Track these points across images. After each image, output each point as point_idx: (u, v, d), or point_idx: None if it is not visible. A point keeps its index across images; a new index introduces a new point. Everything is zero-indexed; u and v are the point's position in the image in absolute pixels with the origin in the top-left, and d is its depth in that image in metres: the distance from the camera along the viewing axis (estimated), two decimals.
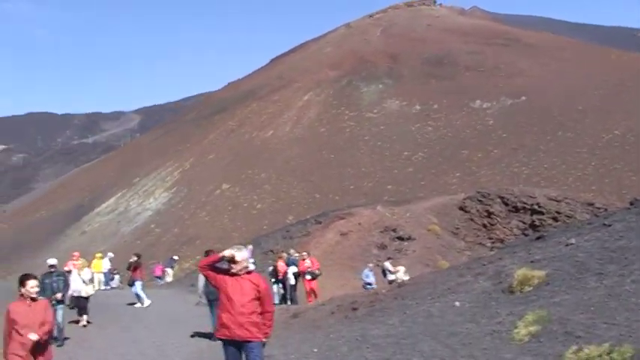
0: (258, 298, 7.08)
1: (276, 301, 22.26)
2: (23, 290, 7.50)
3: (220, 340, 7.19)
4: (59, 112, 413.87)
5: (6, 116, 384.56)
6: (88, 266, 19.93)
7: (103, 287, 29.24)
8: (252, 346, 7.03)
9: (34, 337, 7.22)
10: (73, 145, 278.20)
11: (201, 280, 15.59)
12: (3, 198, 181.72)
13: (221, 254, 7.17)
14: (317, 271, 22.40)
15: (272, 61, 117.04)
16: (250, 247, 26.26)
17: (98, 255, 32.01)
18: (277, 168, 65.82)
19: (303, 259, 22.64)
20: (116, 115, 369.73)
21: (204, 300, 15.49)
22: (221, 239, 51.59)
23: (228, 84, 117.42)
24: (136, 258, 20.88)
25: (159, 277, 36.91)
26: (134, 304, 20.56)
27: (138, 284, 20.55)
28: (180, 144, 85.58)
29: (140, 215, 69.13)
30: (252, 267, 8.38)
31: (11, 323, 7.34)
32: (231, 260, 7.13)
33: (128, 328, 16.23)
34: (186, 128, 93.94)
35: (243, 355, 7.09)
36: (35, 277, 7.70)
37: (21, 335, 7.25)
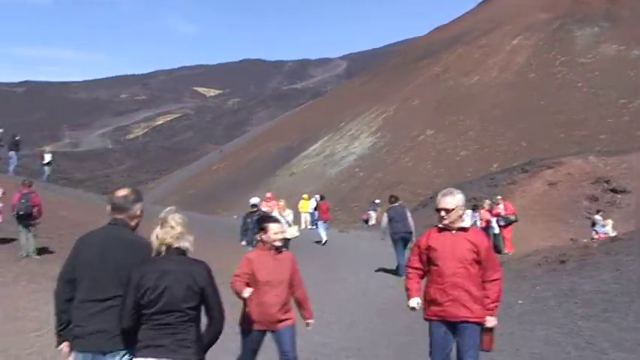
0: (478, 262, 5.58)
1: None
2: (264, 237, 6.19)
3: (428, 320, 5.73)
4: (271, 58, 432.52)
5: (221, 63, 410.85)
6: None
7: (309, 226, 30.70)
8: (468, 329, 5.53)
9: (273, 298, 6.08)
10: (284, 90, 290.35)
11: (385, 218, 16.46)
12: (219, 140, 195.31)
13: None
14: (512, 217, 21.49)
15: (480, 4, 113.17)
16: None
17: (305, 196, 33.54)
18: (483, 114, 64.21)
19: (497, 204, 21.97)
20: (324, 62, 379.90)
21: (387, 237, 16.51)
22: (423, 185, 51.77)
23: (435, 29, 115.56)
24: (319, 199, 22.95)
25: (365, 221, 38.02)
26: (320, 241, 22.38)
27: (320, 224, 22.71)
28: (385, 89, 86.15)
29: (345, 159, 71.02)
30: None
31: (247, 277, 6.05)
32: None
33: (321, 264, 17.10)
34: (391, 74, 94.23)
35: (455, 340, 5.61)
36: (277, 221, 6.42)
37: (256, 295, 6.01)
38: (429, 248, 5.71)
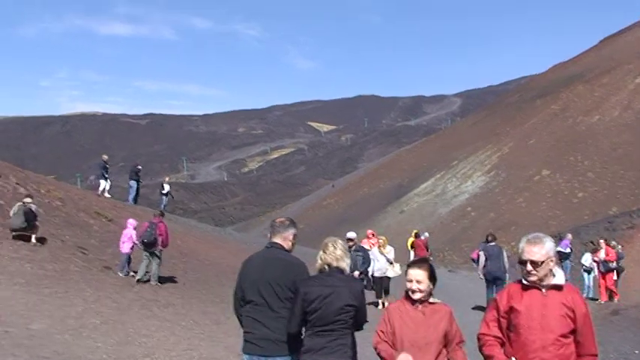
0: (573, 331, 4.48)
1: (590, 295, 21.26)
2: (409, 285, 5.12)
3: None
4: (385, 94, 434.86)
5: (336, 99, 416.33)
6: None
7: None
8: None
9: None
10: (397, 126, 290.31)
11: (482, 257, 16.56)
12: (331, 175, 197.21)
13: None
14: (611, 264, 20.47)
15: (601, 41, 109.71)
16: (569, 235, 25.38)
17: (414, 232, 33.37)
18: (602, 155, 61.87)
19: (600, 249, 21.04)
20: (438, 99, 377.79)
21: (482, 276, 16.77)
22: (538, 227, 50.29)
23: (553, 66, 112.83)
24: (427, 235, 22.99)
25: (474, 260, 37.34)
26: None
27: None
28: (500, 128, 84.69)
29: (457, 198, 70.11)
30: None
31: (389, 336, 5.08)
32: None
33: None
34: (507, 112, 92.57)
35: None
36: (417, 265, 5.17)
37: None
38: (511, 311, 4.55)
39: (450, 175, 77.90)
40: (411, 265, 5.16)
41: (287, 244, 5.73)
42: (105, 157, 31.26)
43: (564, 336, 4.40)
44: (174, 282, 17.87)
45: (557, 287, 4.53)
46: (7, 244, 16.25)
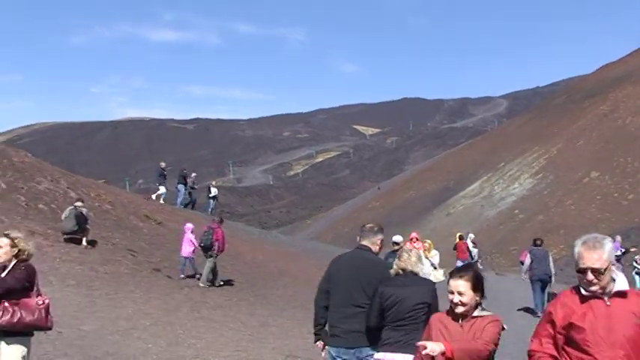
0: None
1: None
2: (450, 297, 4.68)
3: None
4: (431, 97, 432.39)
5: (382, 101, 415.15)
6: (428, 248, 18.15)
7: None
8: None
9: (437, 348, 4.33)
10: (443, 129, 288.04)
11: (528, 259, 16.91)
12: (376, 178, 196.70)
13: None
14: None
15: None
16: (618, 238, 24.85)
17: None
18: None
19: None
20: (484, 100, 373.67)
21: (526, 278, 17.10)
22: (587, 229, 49.21)
23: (601, 67, 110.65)
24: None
25: (522, 263, 36.82)
26: None
27: (458, 263, 22.87)
28: (548, 129, 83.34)
29: (504, 200, 69.22)
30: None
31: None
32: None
33: None
34: (555, 113, 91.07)
35: None
36: (457, 275, 4.60)
37: None
38: (570, 327, 3.86)
39: (497, 177, 76.99)
40: (452, 274, 4.63)
41: (375, 248, 6.32)
42: (162, 164, 31.80)
43: (638, 350, 3.69)
44: (223, 284, 18.05)
45: (622, 294, 3.83)
46: (59, 247, 16.60)
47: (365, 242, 6.32)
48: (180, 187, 31.74)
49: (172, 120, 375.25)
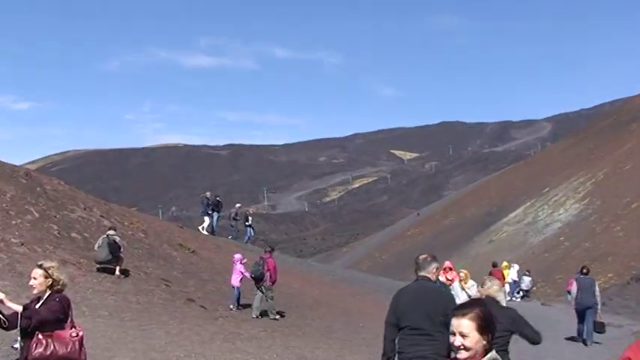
0: None
1: None
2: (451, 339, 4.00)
3: None
4: (471, 120, 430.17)
5: (419, 126, 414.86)
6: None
7: (506, 298, 29.76)
8: None
9: None
10: (484, 153, 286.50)
11: (574, 287, 17.06)
12: (415, 204, 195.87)
13: None
14: None
15: None
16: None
17: (505, 264, 32.58)
18: None
19: None
20: (527, 124, 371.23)
21: (573, 305, 17.67)
22: (637, 257, 48.34)
23: None
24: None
25: (569, 292, 36.24)
26: None
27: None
28: (594, 153, 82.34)
29: (549, 227, 68.30)
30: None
31: None
32: None
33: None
34: (601, 136, 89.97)
35: None
36: (476, 308, 3.85)
37: None
38: None
39: (542, 203, 76.09)
40: (455, 310, 3.85)
41: (432, 277, 6.92)
42: (208, 194, 32.34)
43: None
44: (277, 318, 18.14)
45: None
46: (92, 277, 16.81)
47: (423, 273, 6.87)
48: (215, 214, 31.91)
49: (206, 146, 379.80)
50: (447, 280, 16.76)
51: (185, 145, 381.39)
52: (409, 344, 6.61)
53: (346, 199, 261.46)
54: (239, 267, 18.40)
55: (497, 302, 6.69)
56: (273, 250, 19.14)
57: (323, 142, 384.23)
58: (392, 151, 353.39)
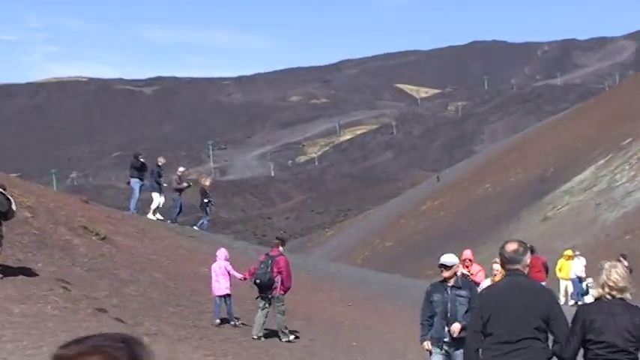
0: None
1: None
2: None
3: None
4: (515, 40, 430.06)
5: (439, 48, 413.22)
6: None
7: (571, 301, 29.85)
8: None
9: None
10: (535, 88, 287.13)
11: None
12: (433, 164, 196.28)
13: None
14: None
15: None
16: None
17: (567, 253, 32.72)
18: None
19: None
20: (599, 43, 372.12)
21: None
22: None
23: None
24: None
25: None
26: None
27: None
28: None
29: (631, 196, 68.58)
30: None
31: None
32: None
33: None
34: None
35: None
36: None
37: None
38: None
39: (621, 162, 76.54)
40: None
41: (526, 270, 7.53)
42: (161, 160, 32.21)
43: None
44: (293, 339, 18.42)
45: None
46: None
47: (518, 266, 7.44)
48: (135, 182, 31.46)
49: (122, 80, 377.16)
50: (471, 275, 16.62)
51: (90, 80, 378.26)
52: (501, 354, 7.12)
53: (331, 157, 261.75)
54: (225, 265, 18.27)
55: (624, 300, 7.28)
56: (284, 242, 18.86)
57: (297, 73, 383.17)
58: (399, 85, 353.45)
